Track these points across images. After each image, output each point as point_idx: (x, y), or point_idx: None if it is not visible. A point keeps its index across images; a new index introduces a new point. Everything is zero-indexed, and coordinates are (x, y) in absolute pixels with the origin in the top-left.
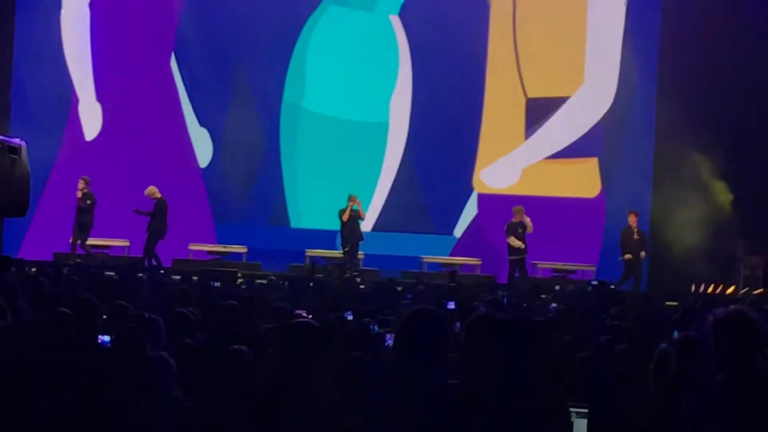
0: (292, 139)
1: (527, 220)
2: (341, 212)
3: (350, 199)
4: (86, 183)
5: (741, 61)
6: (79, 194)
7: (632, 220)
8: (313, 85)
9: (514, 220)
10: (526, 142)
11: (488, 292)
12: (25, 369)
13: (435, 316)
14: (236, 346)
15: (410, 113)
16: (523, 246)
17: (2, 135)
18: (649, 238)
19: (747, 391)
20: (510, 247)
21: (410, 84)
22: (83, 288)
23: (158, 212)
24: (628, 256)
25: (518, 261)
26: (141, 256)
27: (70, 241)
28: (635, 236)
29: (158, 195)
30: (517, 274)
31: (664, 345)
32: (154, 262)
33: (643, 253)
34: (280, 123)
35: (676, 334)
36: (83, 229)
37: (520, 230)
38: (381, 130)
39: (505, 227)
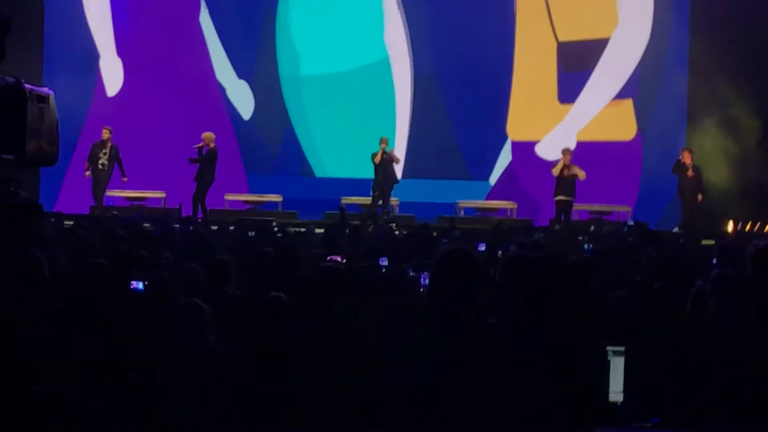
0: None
1: (578, 169)
2: (373, 155)
3: (382, 141)
4: (109, 132)
5: None
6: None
7: (686, 156)
8: (305, 51)
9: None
10: (576, 104)
11: (525, 234)
12: (62, 319)
13: (470, 255)
14: (273, 294)
15: (410, 47)
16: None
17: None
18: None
19: None
20: (558, 185)
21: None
22: (120, 240)
23: (210, 160)
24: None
25: (564, 203)
26: (176, 207)
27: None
28: (689, 173)
29: (212, 144)
30: (562, 217)
31: (700, 282)
32: (201, 213)
33: (700, 196)
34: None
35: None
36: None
37: (565, 173)
38: (383, 68)
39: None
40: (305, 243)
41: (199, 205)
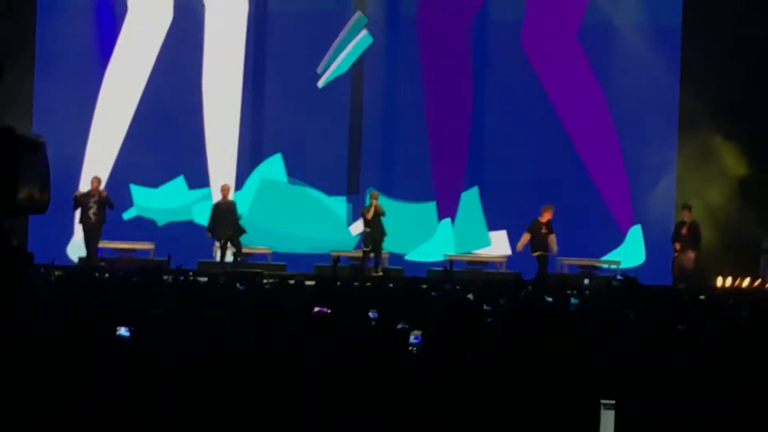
0: None
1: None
2: (365, 210)
3: (372, 196)
4: (98, 182)
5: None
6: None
7: (684, 214)
8: None
9: (541, 219)
10: None
11: (515, 288)
12: (50, 368)
13: (470, 307)
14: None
15: None
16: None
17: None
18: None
19: None
20: (533, 243)
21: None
22: (109, 291)
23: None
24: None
25: (541, 257)
26: (166, 258)
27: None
28: (683, 230)
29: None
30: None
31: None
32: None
33: (692, 254)
34: None
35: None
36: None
37: (543, 230)
38: None
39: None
40: (295, 295)
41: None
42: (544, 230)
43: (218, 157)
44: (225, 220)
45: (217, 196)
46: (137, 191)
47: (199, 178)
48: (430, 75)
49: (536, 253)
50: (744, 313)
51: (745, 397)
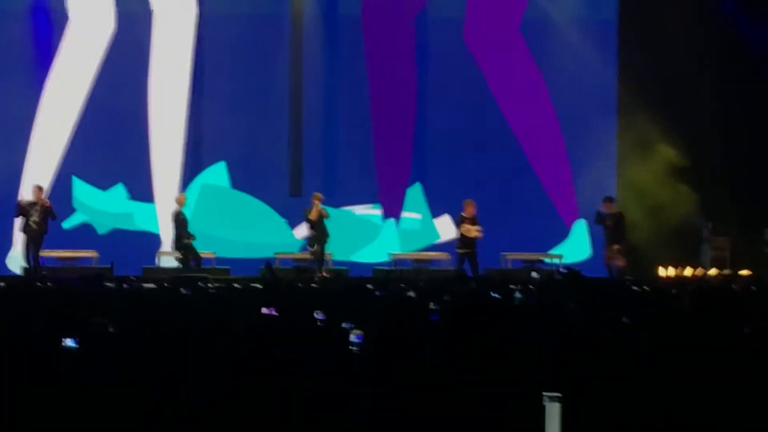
0: None
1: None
2: (307, 211)
3: (315, 197)
4: (40, 191)
5: (702, 47)
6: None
7: (605, 206)
8: None
9: (464, 213)
10: None
11: (460, 284)
12: None
13: (413, 303)
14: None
15: None
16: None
17: None
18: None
19: (730, 360)
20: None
21: None
22: (53, 301)
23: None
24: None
25: (468, 254)
26: (109, 266)
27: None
28: (608, 222)
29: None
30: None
31: (625, 320)
32: None
33: (616, 246)
34: None
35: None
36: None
37: (468, 225)
38: None
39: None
40: (241, 299)
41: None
42: (468, 225)
43: (162, 164)
44: (183, 231)
45: (161, 203)
46: (80, 189)
47: (141, 186)
48: (374, 74)
49: (461, 251)
50: (685, 302)
51: (686, 387)
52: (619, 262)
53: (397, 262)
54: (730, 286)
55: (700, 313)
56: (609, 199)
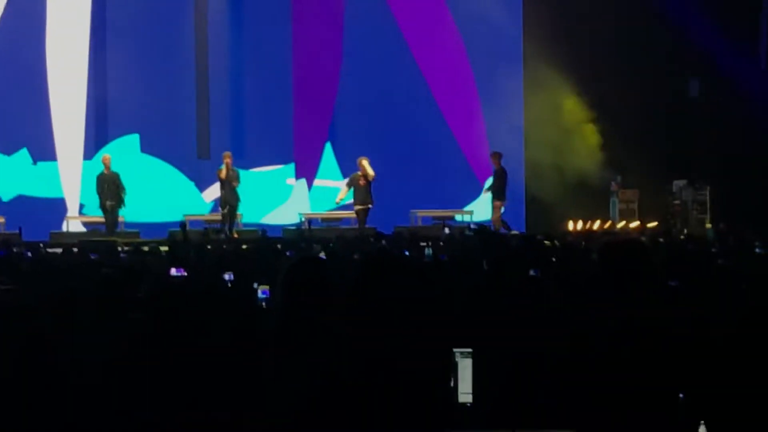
0: None
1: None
2: (218, 171)
3: (225, 156)
4: None
5: (606, 6)
6: None
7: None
8: None
9: (360, 171)
10: None
11: (371, 243)
12: None
13: (317, 262)
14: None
15: None
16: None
17: None
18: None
19: (636, 315)
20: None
21: None
22: None
23: None
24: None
25: (361, 212)
26: (17, 231)
27: None
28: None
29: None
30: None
31: (533, 273)
32: None
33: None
34: None
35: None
36: None
37: (362, 183)
38: None
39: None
40: (151, 261)
41: None
42: (362, 182)
43: (65, 128)
44: (109, 191)
45: (66, 167)
46: None
47: (45, 151)
48: (299, 29)
49: (357, 207)
50: (594, 256)
51: (591, 340)
52: (495, 216)
53: (307, 222)
54: (639, 239)
55: (610, 266)
56: (495, 155)
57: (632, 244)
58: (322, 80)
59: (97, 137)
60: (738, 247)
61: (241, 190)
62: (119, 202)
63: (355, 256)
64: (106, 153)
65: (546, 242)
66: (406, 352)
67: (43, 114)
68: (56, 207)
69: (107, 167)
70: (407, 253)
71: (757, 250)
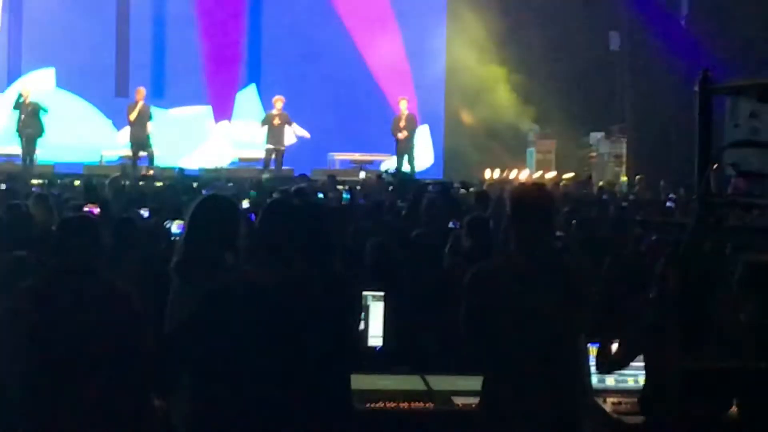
0: None
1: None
2: (130, 107)
3: (138, 92)
4: None
5: None
6: None
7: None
8: None
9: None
10: None
11: (287, 183)
12: None
13: (226, 200)
14: (15, 253)
15: None
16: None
17: None
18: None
19: (541, 258)
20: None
21: None
22: None
23: None
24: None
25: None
26: None
27: None
28: (401, 124)
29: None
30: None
31: (456, 225)
32: None
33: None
34: None
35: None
36: None
37: (276, 122)
38: None
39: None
40: (65, 195)
41: None
42: (277, 121)
43: None
44: (29, 121)
45: None
46: None
47: None
48: None
49: (269, 146)
50: (505, 203)
51: (498, 285)
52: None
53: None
54: (543, 185)
55: (515, 211)
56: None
57: (536, 190)
58: (226, 22)
59: (10, 69)
60: (649, 199)
61: (160, 131)
62: (38, 130)
63: (275, 195)
64: (26, 84)
65: (462, 190)
66: (313, 294)
67: None
68: None
69: (26, 97)
70: (324, 195)
71: (668, 204)
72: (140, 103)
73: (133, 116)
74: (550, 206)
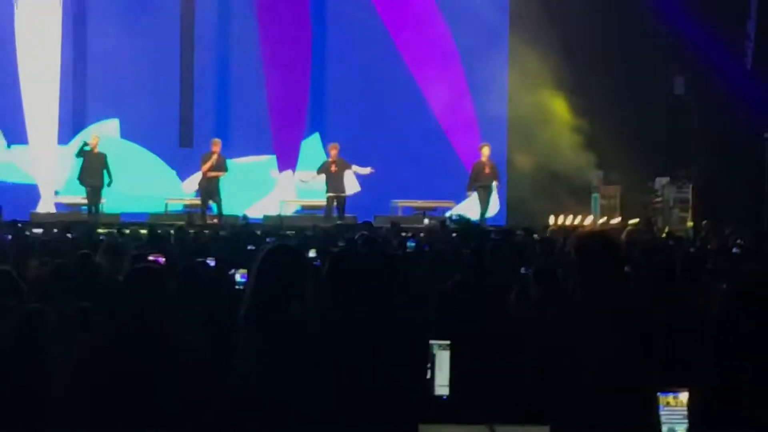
0: None
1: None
2: (204, 158)
3: (213, 143)
4: None
5: (593, 2)
6: None
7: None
8: None
9: (330, 158)
10: None
11: (351, 231)
12: None
13: (294, 250)
14: (80, 305)
15: None
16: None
17: None
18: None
19: (610, 306)
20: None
21: None
22: None
23: None
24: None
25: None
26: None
27: None
28: (486, 170)
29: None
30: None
31: (524, 272)
32: None
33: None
34: None
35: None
36: None
37: (333, 169)
38: None
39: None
40: (131, 244)
41: None
42: (334, 168)
43: (38, 114)
44: (94, 171)
45: (39, 152)
46: None
47: (17, 135)
48: (266, 22)
49: (329, 194)
50: (571, 250)
51: (566, 333)
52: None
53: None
54: (607, 232)
55: (583, 260)
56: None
57: (601, 237)
58: (291, 71)
59: (74, 120)
60: (717, 246)
61: (224, 179)
62: (104, 180)
63: (340, 243)
64: (94, 133)
65: (526, 236)
66: (380, 343)
67: (14, 96)
68: (31, 191)
69: (94, 147)
70: (387, 242)
71: (735, 249)
72: (215, 155)
73: (206, 167)
74: (615, 254)
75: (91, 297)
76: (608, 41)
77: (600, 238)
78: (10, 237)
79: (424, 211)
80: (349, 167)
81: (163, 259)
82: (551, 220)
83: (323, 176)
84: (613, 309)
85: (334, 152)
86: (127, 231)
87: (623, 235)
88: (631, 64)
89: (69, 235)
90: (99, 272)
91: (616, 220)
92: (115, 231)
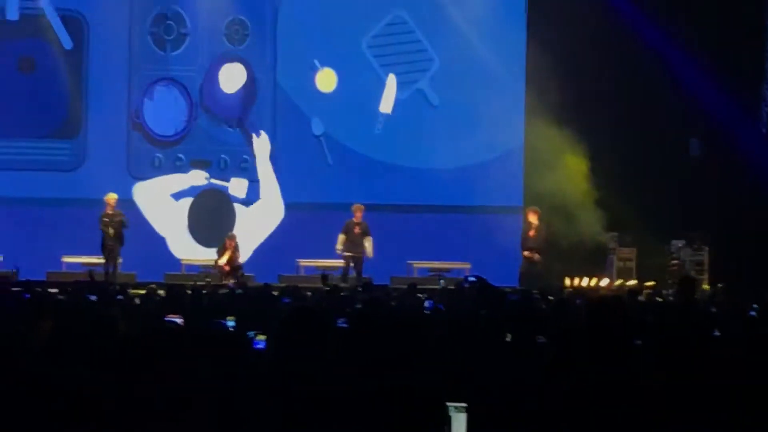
0: None
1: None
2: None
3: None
4: None
5: (609, 63)
6: None
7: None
8: None
9: (354, 219)
10: None
11: (366, 292)
12: None
13: (314, 313)
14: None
15: None
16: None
17: None
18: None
19: (615, 372)
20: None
21: None
22: None
23: None
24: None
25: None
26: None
27: None
28: (531, 233)
29: None
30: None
31: (541, 339)
32: None
33: (536, 256)
34: None
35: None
36: None
37: (356, 231)
38: None
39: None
40: (147, 305)
41: None
42: (357, 230)
43: None
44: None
45: None
46: None
47: None
48: None
49: (347, 254)
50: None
51: (583, 396)
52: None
53: (303, 269)
54: (618, 296)
55: (595, 322)
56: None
57: (611, 301)
58: None
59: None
60: (731, 309)
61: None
62: (121, 241)
63: (357, 305)
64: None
65: (541, 297)
66: (398, 405)
67: None
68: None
69: (111, 206)
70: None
71: (751, 313)
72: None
73: (223, 260)
74: (624, 319)
75: (107, 357)
76: (624, 101)
77: (609, 303)
78: (29, 296)
79: (439, 273)
80: (368, 235)
81: (181, 320)
82: (567, 282)
83: (344, 236)
84: (620, 375)
85: (359, 214)
86: (143, 291)
87: (639, 297)
88: (647, 125)
89: (85, 295)
90: (114, 333)
91: (632, 282)
92: (130, 291)
